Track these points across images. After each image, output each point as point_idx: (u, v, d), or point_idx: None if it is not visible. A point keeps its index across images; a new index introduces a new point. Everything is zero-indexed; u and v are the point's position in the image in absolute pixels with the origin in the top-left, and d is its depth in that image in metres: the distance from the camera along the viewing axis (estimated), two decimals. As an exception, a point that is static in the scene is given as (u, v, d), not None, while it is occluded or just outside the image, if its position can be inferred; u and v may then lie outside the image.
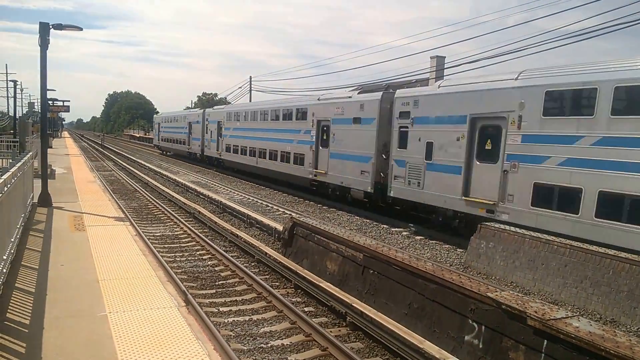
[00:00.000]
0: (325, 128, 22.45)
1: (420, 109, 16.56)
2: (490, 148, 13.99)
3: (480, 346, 7.54)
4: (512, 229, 12.00)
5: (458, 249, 14.14)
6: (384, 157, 18.46)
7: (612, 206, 10.95)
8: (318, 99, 23.60)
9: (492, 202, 13.63)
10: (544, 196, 12.37)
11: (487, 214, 13.77)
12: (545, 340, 6.66)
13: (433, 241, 15.18)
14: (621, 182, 10.75)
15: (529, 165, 12.74)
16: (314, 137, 23.15)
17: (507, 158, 13.27)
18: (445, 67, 22.10)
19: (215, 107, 44.31)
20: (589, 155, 11.38)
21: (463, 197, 14.58)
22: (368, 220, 18.21)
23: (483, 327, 7.58)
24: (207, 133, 41.16)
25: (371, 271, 10.21)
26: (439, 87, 16.28)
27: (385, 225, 17.33)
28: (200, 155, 43.37)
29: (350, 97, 20.98)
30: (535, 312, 6.88)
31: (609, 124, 11.00)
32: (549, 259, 10.67)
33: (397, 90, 18.10)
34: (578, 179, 11.57)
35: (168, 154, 56.55)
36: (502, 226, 12.27)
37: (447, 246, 14.65)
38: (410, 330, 8.09)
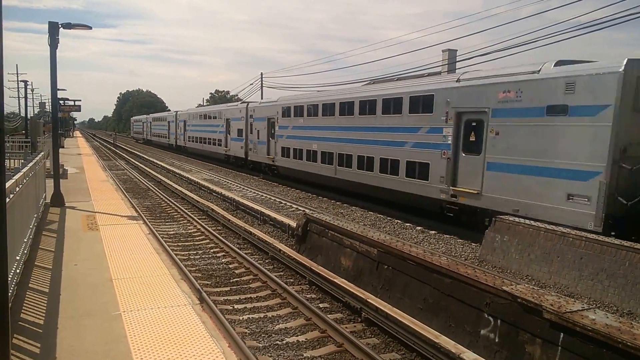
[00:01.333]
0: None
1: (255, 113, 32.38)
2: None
3: (497, 340, 7.46)
4: (527, 222, 11.86)
5: (473, 243, 14.02)
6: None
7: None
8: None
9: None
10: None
11: None
12: (562, 334, 6.58)
13: (447, 235, 15.07)
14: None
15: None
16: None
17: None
18: (457, 60, 21.91)
19: (152, 114, 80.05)
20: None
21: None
22: (382, 215, 18.13)
23: (499, 321, 7.50)
24: (148, 129, 79.70)
25: (386, 266, 10.14)
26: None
27: (398, 220, 17.24)
28: (147, 140, 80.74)
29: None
30: (551, 305, 6.79)
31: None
32: (565, 252, 10.53)
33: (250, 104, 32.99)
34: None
35: (139, 142, 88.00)
36: (516, 219, 12.13)
37: (461, 240, 14.53)
38: (425, 325, 8.02)
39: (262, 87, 58.49)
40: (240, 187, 25.79)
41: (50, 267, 9.19)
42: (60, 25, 15.23)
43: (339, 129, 21.94)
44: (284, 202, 21.16)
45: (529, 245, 11.35)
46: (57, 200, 15.84)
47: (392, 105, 18.41)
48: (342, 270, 11.36)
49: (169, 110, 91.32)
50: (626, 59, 11.15)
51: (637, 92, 11.21)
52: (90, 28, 16.79)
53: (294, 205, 20.21)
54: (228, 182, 28.16)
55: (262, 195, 22.88)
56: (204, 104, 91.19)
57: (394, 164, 18.22)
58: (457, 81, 15.56)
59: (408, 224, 16.63)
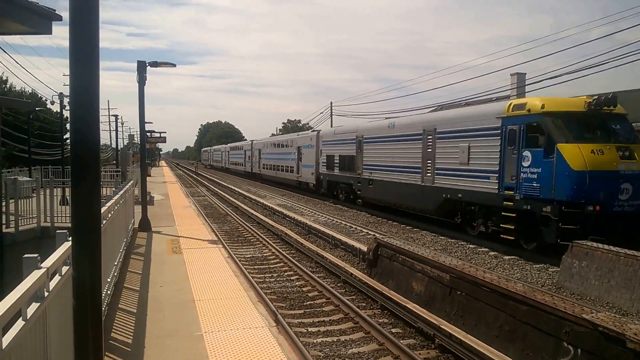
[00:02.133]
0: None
1: (254, 146, 60.12)
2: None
3: (577, 370, 7.22)
4: (606, 246, 11.36)
5: (550, 269, 13.52)
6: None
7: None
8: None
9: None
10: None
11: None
12: (648, 365, 6.30)
13: (522, 261, 14.61)
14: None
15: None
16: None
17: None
18: (526, 83, 21.43)
19: (212, 147, 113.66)
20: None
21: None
22: (453, 240, 17.84)
23: (579, 350, 7.26)
24: (210, 156, 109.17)
25: (459, 292, 10.04)
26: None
27: (471, 245, 16.89)
28: (210, 165, 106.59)
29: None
30: (635, 334, 6.51)
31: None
32: (651, 278, 9.99)
33: (254, 141, 61.44)
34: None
35: (207, 167, 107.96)
36: (595, 244, 11.65)
37: (537, 266, 14.04)
38: (502, 354, 7.88)
39: (331, 115, 59.54)
40: (312, 212, 26.22)
41: (138, 288, 9.81)
42: (147, 64, 16.42)
43: (274, 154, 48.73)
44: (354, 226, 21.30)
45: (608, 271, 10.84)
46: (145, 225, 16.86)
47: (283, 143, 45.49)
48: (414, 295, 11.34)
49: (245, 139, 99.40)
50: (320, 130, 38.02)
51: (320, 141, 33.91)
52: (175, 66, 17.84)
53: (364, 230, 20.29)
54: (300, 207, 28.70)
55: (333, 220, 23.15)
56: (277, 133, 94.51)
57: (287, 168, 42.88)
58: (297, 135, 43.05)
59: (481, 249, 16.26)
